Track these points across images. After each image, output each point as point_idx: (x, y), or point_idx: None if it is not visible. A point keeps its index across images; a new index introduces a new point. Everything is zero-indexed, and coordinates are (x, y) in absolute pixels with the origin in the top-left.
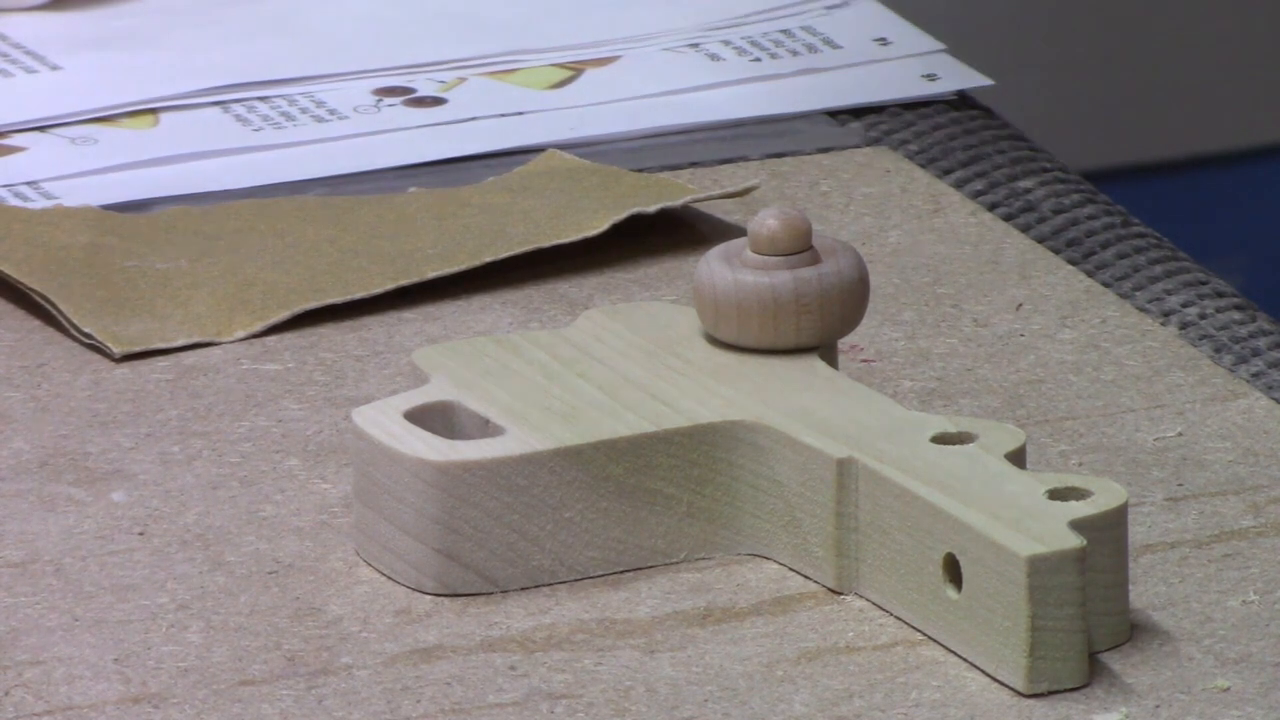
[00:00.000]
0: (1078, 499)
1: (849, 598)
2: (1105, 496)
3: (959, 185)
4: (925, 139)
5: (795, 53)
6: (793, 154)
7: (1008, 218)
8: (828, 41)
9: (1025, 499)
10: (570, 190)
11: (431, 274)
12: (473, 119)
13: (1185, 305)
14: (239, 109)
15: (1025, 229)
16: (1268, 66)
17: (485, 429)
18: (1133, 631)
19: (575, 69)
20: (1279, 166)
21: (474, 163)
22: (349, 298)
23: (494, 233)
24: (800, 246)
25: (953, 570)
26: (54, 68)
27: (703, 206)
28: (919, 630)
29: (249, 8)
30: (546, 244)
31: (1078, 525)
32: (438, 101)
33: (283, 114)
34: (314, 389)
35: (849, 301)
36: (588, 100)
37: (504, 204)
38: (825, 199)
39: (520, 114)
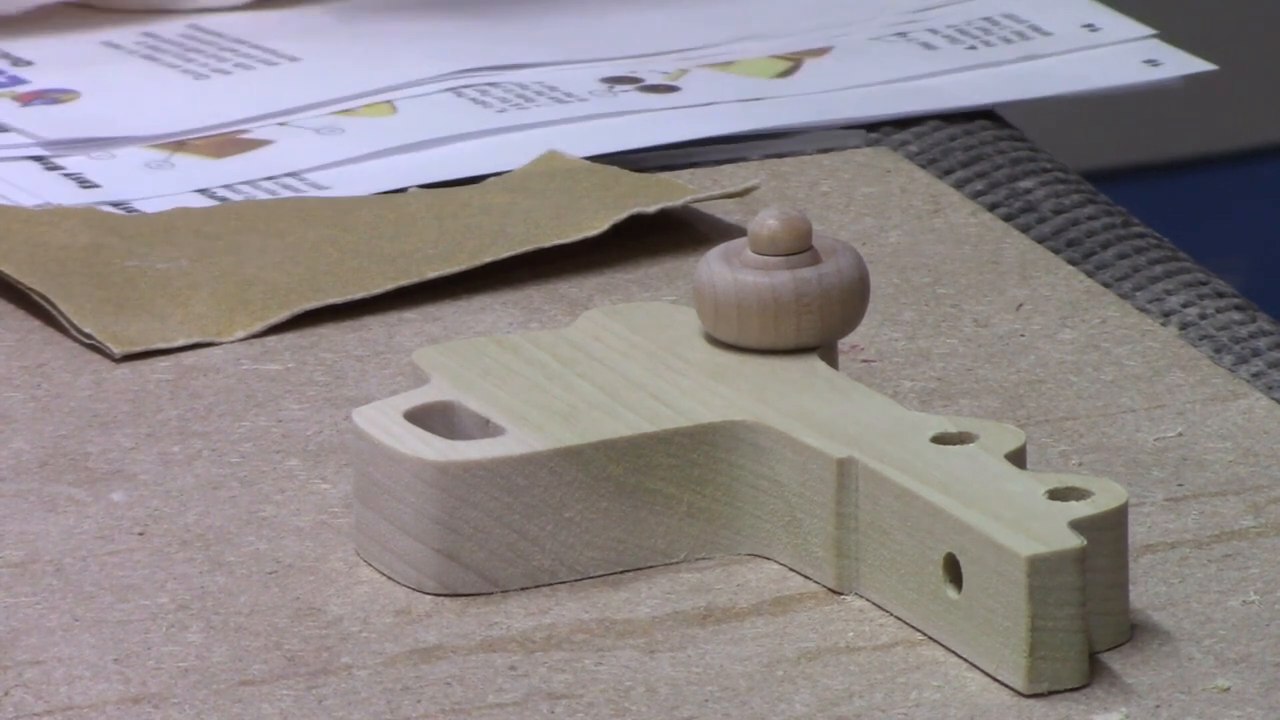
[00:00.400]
0: (1078, 499)
1: (849, 598)
2: (1105, 497)
3: (959, 185)
4: (925, 139)
5: (1008, 40)
6: (793, 154)
7: (1008, 218)
8: (1036, 28)
9: (1025, 499)
10: (570, 190)
11: (432, 274)
12: (710, 104)
13: (1185, 305)
14: (472, 93)
15: (1025, 229)
16: (1268, 66)
17: (485, 429)
18: (1133, 631)
19: (794, 59)
20: (1279, 166)
21: (695, 147)
22: (349, 298)
23: (494, 233)
24: (800, 246)
25: (953, 570)
26: (292, 59)
27: (703, 206)
28: (919, 630)
29: None
30: (547, 244)
31: (1078, 525)
32: (670, 89)
33: (520, 96)
34: (314, 389)
35: (849, 301)
36: (815, 88)
37: (504, 204)
38: (825, 199)
39: (757, 99)
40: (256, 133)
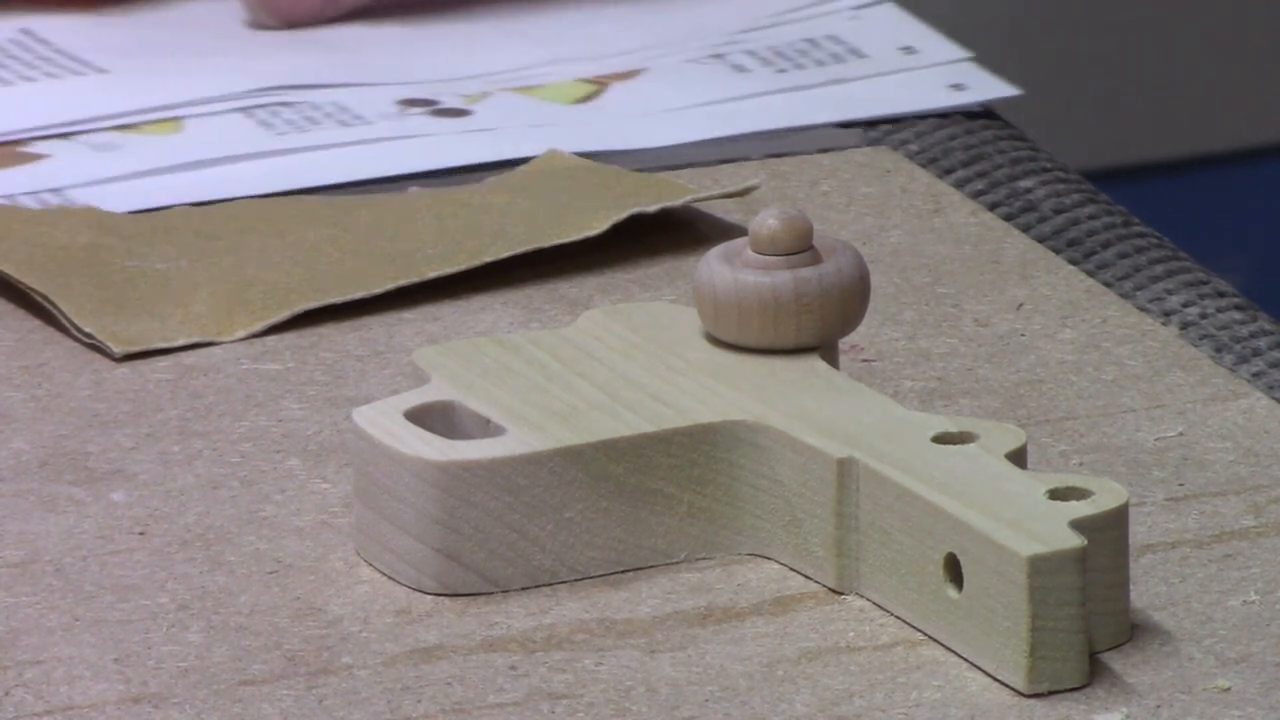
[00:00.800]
0: (1078, 499)
1: (849, 598)
2: (1106, 496)
3: (959, 185)
4: (925, 139)
5: (821, 63)
6: (793, 154)
7: (1008, 218)
8: (854, 51)
9: (1026, 499)
10: (570, 190)
11: (432, 274)
12: (498, 128)
13: (1186, 305)
14: (263, 114)
15: (1026, 229)
16: (1268, 66)
17: (486, 429)
18: (1133, 631)
19: (600, 83)
20: (1279, 166)
21: (488, 170)
22: (349, 297)
23: (494, 232)
24: (800, 246)
25: (953, 570)
26: (100, 70)
27: (703, 206)
28: (919, 630)
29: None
30: (547, 244)
31: (1078, 525)
32: (462, 113)
33: (307, 119)
34: (314, 389)
35: (849, 301)
36: (614, 114)
37: (504, 204)
38: (825, 199)
39: (548, 125)
40: (38, 146)
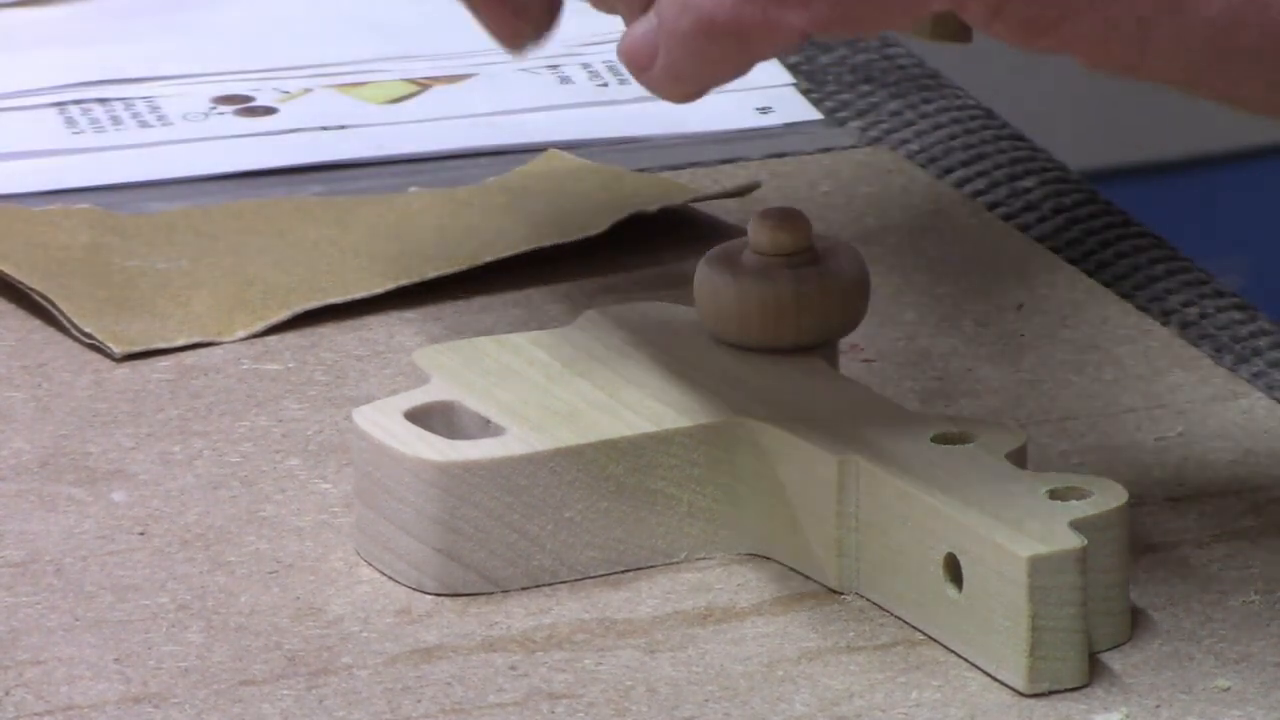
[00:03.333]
0: (1078, 499)
1: (849, 597)
2: (1106, 496)
3: (959, 185)
4: (925, 139)
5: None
6: (793, 154)
7: (1008, 218)
8: None
9: (1026, 499)
10: (571, 190)
11: (432, 274)
12: (296, 130)
13: (1186, 305)
14: (75, 111)
15: (1025, 229)
16: None
17: (486, 429)
18: (1133, 631)
19: (424, 85)
20: (1279, 166)
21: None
22: (349, 297)
23: (495, 233)
24: (800, 246)
25: (953, 570)
26: None
27: (703, 206)
28: (919, 630)
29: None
30: (547, 244)
31: (1078, 525)
32: (268, 111)
33: (112, 117)
34: (315, 389)
35: (849, 301)
36: (422, 116)
37: (504, 204)
38: (825, 199)
39: (343, 128)
40: None
